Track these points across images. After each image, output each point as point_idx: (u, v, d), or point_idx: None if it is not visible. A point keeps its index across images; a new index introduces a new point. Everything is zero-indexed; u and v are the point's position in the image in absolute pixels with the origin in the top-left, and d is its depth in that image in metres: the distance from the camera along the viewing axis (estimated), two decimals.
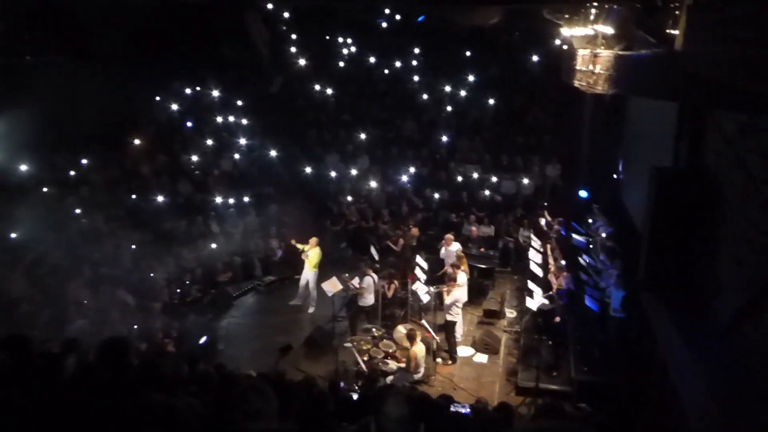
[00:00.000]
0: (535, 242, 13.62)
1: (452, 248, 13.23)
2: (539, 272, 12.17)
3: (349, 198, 16.49)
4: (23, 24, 14.81)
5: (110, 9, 15.04)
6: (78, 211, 13.99)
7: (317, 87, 17.58)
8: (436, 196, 16.34)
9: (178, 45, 15.80)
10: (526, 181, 16.41)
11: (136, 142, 15.96)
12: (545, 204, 15.59)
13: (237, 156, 17.22)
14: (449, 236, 13.55)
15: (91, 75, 14.96)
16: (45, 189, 13.98)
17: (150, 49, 15.44)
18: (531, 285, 11.37)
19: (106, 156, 15.69)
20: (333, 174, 16.61)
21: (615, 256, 10.74)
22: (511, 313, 12.83)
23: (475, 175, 16.62)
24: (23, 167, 13.66)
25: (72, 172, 15.06)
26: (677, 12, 6.17)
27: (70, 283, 11.93)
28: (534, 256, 12.86)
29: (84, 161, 15.26)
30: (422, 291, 11.57)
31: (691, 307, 6.46)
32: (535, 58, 17.02)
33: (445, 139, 17.46)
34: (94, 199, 14.61)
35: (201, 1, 15.73)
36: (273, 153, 16.68)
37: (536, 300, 10.78)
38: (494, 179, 16.52)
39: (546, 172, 16.88)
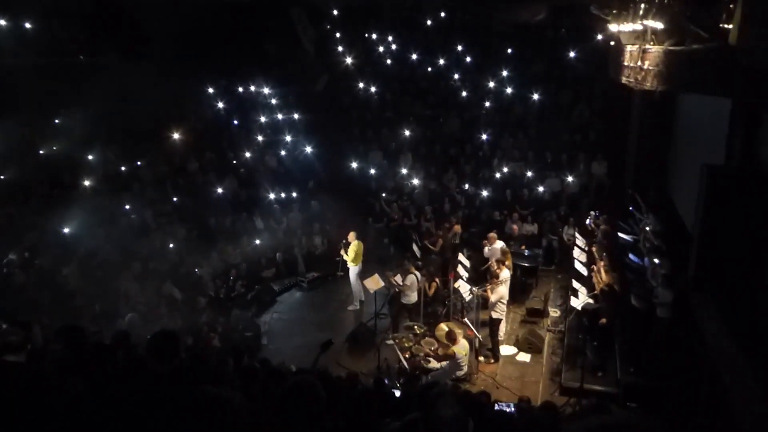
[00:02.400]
0: (580, 241, 13.41)
1: (496, 246, 13.12)
2: (584, 271, 11.98)
3: (392, 195, 16.52)
4: (77, 25, 15.32)
5: (160, 10, 15.40)
6: (128, 206, 14.39)
7: (361, 85, 17.66)
8: (480, 193, 16.23)
9: (225, 44, 16.06)
10: (570, 178, 16.15)
11: (184, 139, 16.30)
12: (591, 202, 15.33)
13: (282, 153, 17.43)
14: (492, 234, 13.44)
15: (141, 74, 15.33)
16: (97, 185, 14.39)
17: (198, 48, 15.75)
18: (575, 284, 11.19)
19: (155, 153, 16.08)
20: (376, 171, 16.66)
21: (663, 256, 10.49)
22: (555, 313, 12.66)
23: (519, 173, 16.44)
24: (77, 163, 14.11)
25: (123, 169, 15.49)
26: (732, 5, 5.99)
27: (120, 277, 12.30)
28: (578, 255, 12.66)
29: (134, 158, 15.66)
30: (464, 289, 11.52)
31: (742, 308, 6.29)
32: (581, 54, 16.73)
33: (487, 136, 17.32)
34: (143, 195, 15.00)
35: (247, 1, 16.02)
36: (317, 150, 16.83)
37: (581, 299, 10.61)
38: (539, 177, 16.31)
39: (592, 169, 16.58)
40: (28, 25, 14.15)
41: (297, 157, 17.38)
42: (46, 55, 14.57)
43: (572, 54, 16.60)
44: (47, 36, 14.62)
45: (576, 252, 12.83)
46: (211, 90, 16.73)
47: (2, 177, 13.43)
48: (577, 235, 13.87)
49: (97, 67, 15.06)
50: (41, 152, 14.38)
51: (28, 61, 14.04)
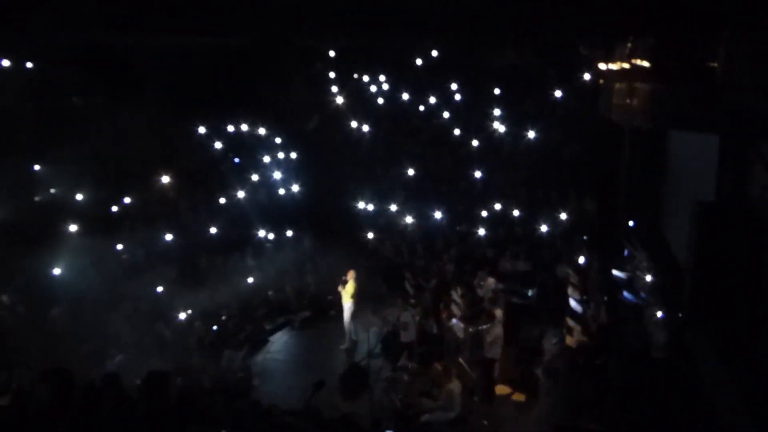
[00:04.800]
0: (574, 278, 13.37)
1: (488, 284, 13.07)
2: (579, 309, 11.92)
3: (384, 233, 16.50)
4: (70, 67, 15.47)
5: (152, 52, 15.61)
6: (118, 246, 14.30)
7: (353, 123, 17.81)
8: (472, 231, 16.23)
9: (217, 85, 16.24)
10: (563, 215, 16.20)
11: (175, 179, 16.30)
12: (583, 239, 15.35)
13: (274, 192, 17.44)
14: (485, 272, 13.40)
15: (132, 115, 15.45)
16: (88, 225, 14.31)
17: (190, 89, 15.91)
18: (570, 322, 11.13)
19: (146, 193, 16.06)
20: (368, 209, 16.68)
21: (657, 293, 10.48)
22: (549, 351, 12.54)
23: (512, 210, 16.48)
24: (67, 203, 14.07)
25: (114, 209, 15.44)
26: (716, 44, 6.12)
27: (110, 317, 12.16)
28: (573, 293, 12.62)
29: (125, 198, 15.63)
30: (458, 328, 11.42)
31: (738, 345, 6.24)
32: (570, 92, 16.96)
33: (480, 174, 17.42)
34: (134, 236, 14.93)
35: (240, 44, 16.25)
36: (309, 189, 16.86)
37: (576, 338, 10.54)
38: (531, 214, 16.34)
39: (583, 206, 16.66)
40: (21, 68, 14.27)
41: (289, 196, 17.40)
42: (38, 97, 14.67)
43: (561, 92, 16.83)
44: (40, 78, 14.74)
45: (570, 289, 12.78)
46: (202, 130, 16.82)
47: None
48: (570, 272, 13.84)
49: (90, 108, 15.16)
50: (32, 194, 14.33)
51: (20, 103, 14.13)
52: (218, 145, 16.98)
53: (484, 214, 16.59)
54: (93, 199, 14.97)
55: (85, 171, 14.35)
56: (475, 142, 17.92)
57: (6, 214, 13.21)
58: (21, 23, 14.44)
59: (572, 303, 12.17)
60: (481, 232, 16.02)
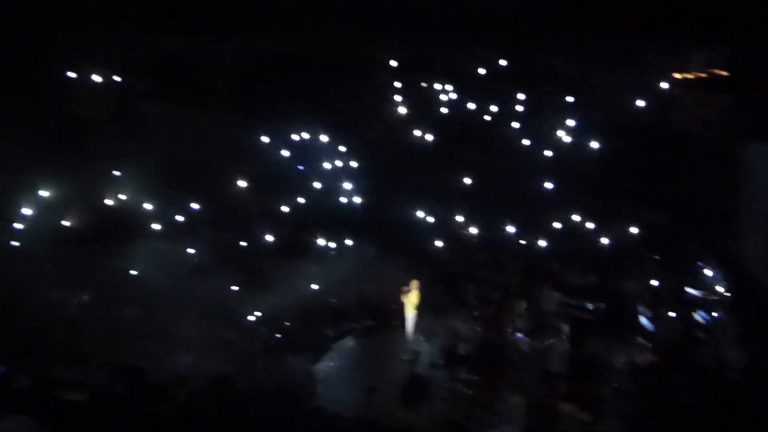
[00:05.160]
0: (645, 294, 12.93)
1: (553, 297, 12.81)
2: (649, 326, 11.51)
3: (447, 243, 16.38)
4: (143, 76, 16.15)
5: (221, 58, 16.11)
6: (189, 249, 14.74)
7: (416, 132, 17.82)
8: (538, 242, 15.93)
9: (282, 92, 16.59)
10: (632, 229, 15.71)
11: (242, 184, 16.69)
12: (654, 254, 14.83)
13: (338, 199, 17.59)
14: (550, 285, 13.14)
15: (202, 121, 15.94)
16: (159, 229, 14.81)
17: (256, 96, 16.32)
18: (640, 340, 10.76)
19: (215, 197, 16.48)
20: (431, 218, 16.62)
21: (732, 312, 10.02)
22: (617, 369, 12.12)
23: (579, 222, 16.09)
24: (140, 207, 14.62)
25: (184, 213, 15.90)
26: None
27: (178, 318, 12.53)
28: (643, 309, 12.19)
29: (194, 203, 16.08)
30: (522, 341, 11.23)
31: None
32: (641, 101, 16.48)
33: (546, 184, 17.10)
34: (203, 239, 15.34)
35: (305, 52, 16.59)
36: (372, 197, 16.94)
37: (646, 356, 10.18)
38: (599, 226, 15.92)
39: (654, 220, 16.09)
40: (96, 77, 14.98)
41: (352, 204, 17.53)
42: (115, 104, 15.35)
43: (632, 101, 16.37)
44: (114, 86, 15.42)
45: (639, 306, 12.36)
46: (267, 137, 17.17)
47: (70, 222, 13.94)
48: (639, 287, 13.39)
49: (160, 114, 15.75)
50: (110, 197, 14.94)
51: (95, 111, 14.80)
52: (284, 152, 17.29)
53: (550, 225, 16.26)
54: (165, 203, 15.48)
55: (158, 176, 14.86)
56: (541, 151, 17.63)
57: (86, 216, 13.82)
58: (101, 34, 15.27)
59: (642, 320, 11.78)
60: (547, 243, 15.72)
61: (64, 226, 13.46)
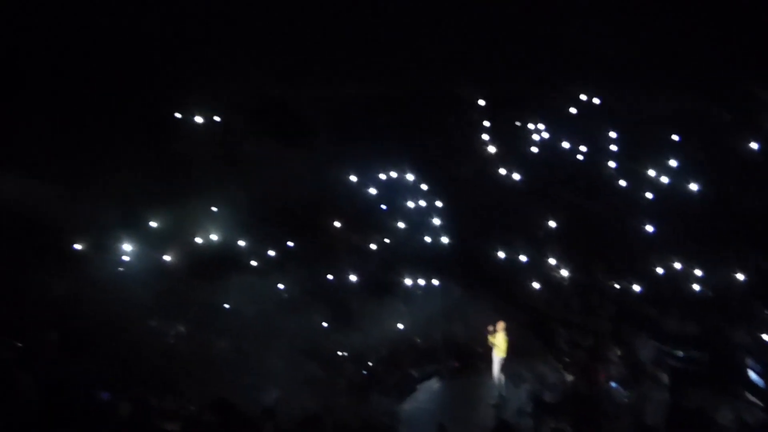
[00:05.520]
0: (754, 347, 12.02)
1: (650, 345, 12.16)
2: (760, 382, 10.65)
3: (538, 285, 15.96)
4: (244, 117, 16.95)
5: (316, 100, 16.69)
6: (280, 285, 15.10)
7: (507, 172, 17.65)
8: (633, 287, 15.24)
9: (374, 131, 16.94)
10: (739, 275, 14.74)
11: (334, 222, 17.02)
12: (765, 303, 13.82)
13: (425, 238, 17.57)
14: (647, 332, 12.51)
15: (298, 161, 16.47)
16: (253, 264, 15.27)
17: (349, 134, 16.74)
18: (750, 397, 9.98)
19: (307, 234, 16.87)
20: (521, 260, 16.28)
21: None
22: (723, 426, 11.26)
23: (679, 267, 15.27)
24: (235, 243, 15.17)
25: (277, 250, 16.35)
26: None
27: (267, 352, 12.79)
28: (752, 363, 11.33)
29: (288, 240, 16.52)
30: (617, 391, 10.68)
31: None
32: (748, 140, 15.64)
33: (644, 227, 16.41)
34: (293, 275, 15.68)
35: (397, 92, 16.91)
36: (461, 236, 16.81)
37: (755, 415, 9.41)
38: (701, 272, 15.05)
39: (763, 266, 15.04)
40: (198, 118, 15.85)
41: (440, 243, 17.46)
42: (216, 144, 16.16)
43: (740, 140, 15.56)
44: (216, 127, 16.26)
45: (748, 359, 11.49)
46: (358, 176, 17.49)
47: (168, 258, 14.60)
48: (748, 338, 12.47)
49: (258, 153, 16.42)
50: (208, 233, 15.59)
51: (198, 150, 15.61)
52: (372, 190, 17.54)
53: (647, 269, 15.54)
54: (259, 239, 15.99)
55: (251, 213, 15.41)
56: (639, 192, 17.00)
57: (185, 251, 14.47)
58: (205, 78, 16.23)
59: (751, 374, 10.92)
60: (643, 288, 15.01)
61: (165, 260, 14.09)
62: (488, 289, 15.82)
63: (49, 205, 13.78)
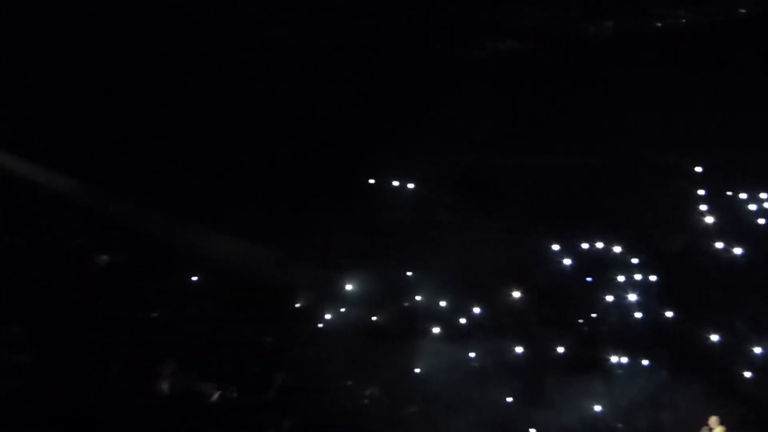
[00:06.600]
0: None
1: None
2: None
3: (759, 375, 13.97)
4: (445, 187, 17.51)
5: (516, 170, 16.76)
6: (471, 353, 15.00)
7: (722, 245, 16.00)
8: None
9: (572, 200, 16.49)
10: None
11: (526, 293, 16.64)
12: None
13: (631, 315, 16.40)
14: None
15: (494, 229, 16.52)
16: (444, 329, 15.40)
17: (545, 204, 16.50)
18: None
19: (497, 305, 16.67)
20: (739, 345, 14.46)
21: None
22: None
23: None
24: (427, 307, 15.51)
25: (466, 318, 16.36)
26: None
27: (456, 421, 12.74)
28: None
29: (479, 307, 16.44)
30: None
31: None
32: None
33: None
34: (484, 344, 15.51)
35: (600, 161, 16.36)
36: (672, 315, 15.43)
37: None
38: None
39: None
40: (397, 184, 16.71)
41: (648, 321, 16.18)
42: (413, 209, 16.85)
43: None
44: (414, 194, 16.98)
45: None
46: (556, 246, 17.01)
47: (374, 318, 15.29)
48: None
49: (456, 222, 16.75)
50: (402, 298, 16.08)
51: (395, 216, 16.33)
52: (571, 261, 16.91)
53: None
54: (450, 306, 16.15)
55: (445, 280, 15.68)
56: None
57: (378, 315, 15.16)
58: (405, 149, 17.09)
59: None
60: None
61: (357, 322, 14.88)
62: (700, 376, 14.18)
63: (270, 268, 15.27)
